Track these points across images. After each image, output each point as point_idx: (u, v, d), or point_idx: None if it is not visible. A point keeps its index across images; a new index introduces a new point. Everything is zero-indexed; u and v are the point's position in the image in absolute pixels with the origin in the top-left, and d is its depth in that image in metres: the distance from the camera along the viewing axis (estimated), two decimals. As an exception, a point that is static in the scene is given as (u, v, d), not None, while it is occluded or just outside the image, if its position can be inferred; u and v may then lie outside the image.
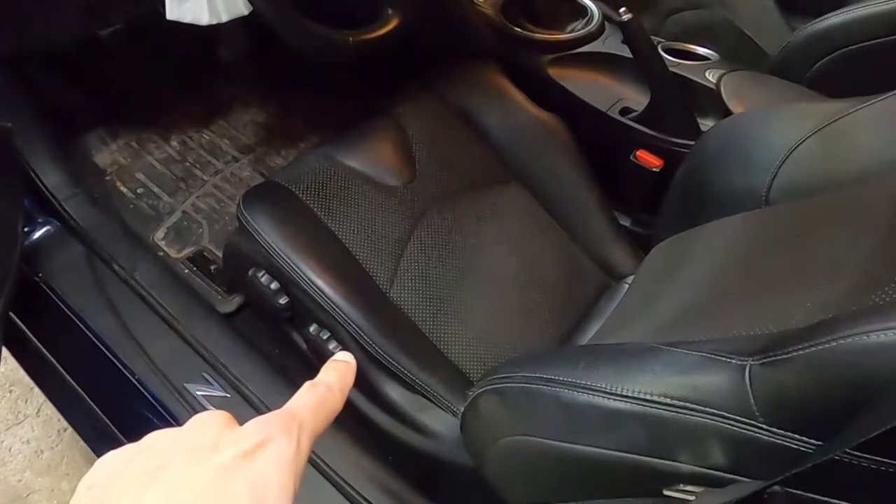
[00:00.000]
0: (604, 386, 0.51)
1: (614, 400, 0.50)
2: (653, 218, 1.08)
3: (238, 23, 0.85)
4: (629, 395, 0.49)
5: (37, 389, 1.08)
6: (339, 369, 0.38)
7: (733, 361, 0.45)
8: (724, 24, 1.43)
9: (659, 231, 0.95)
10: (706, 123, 1.01)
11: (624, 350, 0.55)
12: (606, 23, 1.14)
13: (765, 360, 0.43)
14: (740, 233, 0.74)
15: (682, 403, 0.47)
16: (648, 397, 0.48)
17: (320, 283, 0.81)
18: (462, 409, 0.81)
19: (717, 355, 0.47)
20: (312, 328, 0.84)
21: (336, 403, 0.36)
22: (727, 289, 0.66)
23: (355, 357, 0.77)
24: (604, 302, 0.99)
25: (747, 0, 1.43)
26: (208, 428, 0.30)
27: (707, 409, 0.46)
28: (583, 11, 1.14)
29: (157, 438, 0.31)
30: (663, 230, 0.92)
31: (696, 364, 0.48)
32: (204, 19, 0.81)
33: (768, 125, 0.81)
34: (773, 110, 0.83)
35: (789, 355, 0.41)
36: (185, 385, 0.88)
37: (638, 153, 1.03)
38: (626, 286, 0.99)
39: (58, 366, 0.97)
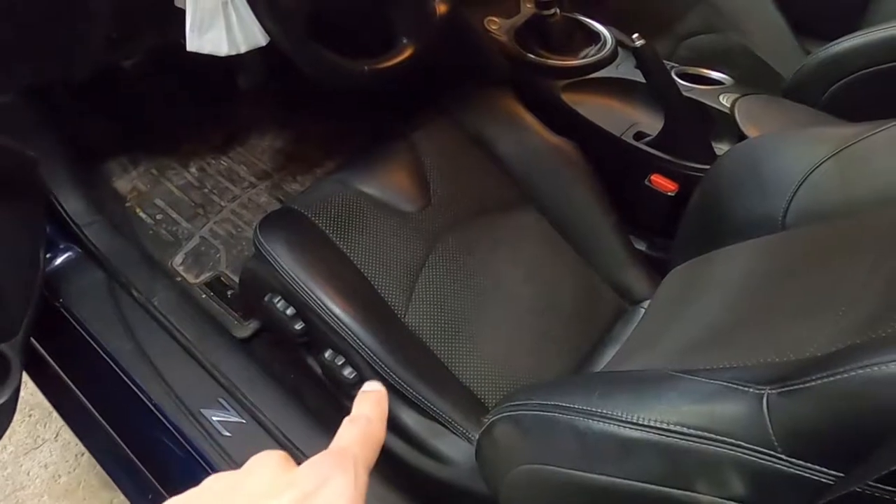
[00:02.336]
0: (619, 414, 0.51)
1: (630, 428, 0.50)
2: (668, 242, 1.07)
3: (257, 51, 0.87)
4: (645, 423, 0.49)
5: (55, 414, 1.09)
6: (373, 399, 0.38)
7: (751, 390, 0.45)
8: (738, 48, 1.43)
9: (675, 255, 0.94)
10: (721, 148, 1.01)
11: (640, 378, 0.54)
12: (619, 48, 1.15)
13: (783, 390, 0.42)
14: (757, 258, 0.74)
15: (699, 433, 0.46)
16: (664, 426, 0.48)
17: (335, 309, 0.82)
18: (477, 436, 0.81)
19: (735, 384, 0.46)
20: (328, 354, 0.84)
21: (379, 434, 0.36)
22: (744, 315, 0.66)
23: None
24: (620, 326, 0.98)
25: (761, 24, 1.44)
26: (266, 471, 0.30)
27: (725, 438, 0.45)
28: (596, 37, 1.15)
29: (217, 481, 0.31)
30: (679, 255, 0.91)
31: (714, 393, 0.47)
32: (223, 50, 0.83)
33: (784, 149, 0.81)
34: (788, 134, 0.83)
35: (807, 385, 0.40)
36: (202, 410, 0.89)
37: (653, 177, 1.03)
38: (643, 311, 0.99)
39: (76, 390, 0.98)
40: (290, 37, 0.77)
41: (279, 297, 0.87)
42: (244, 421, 0.88)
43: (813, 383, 0.40)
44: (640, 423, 0.49)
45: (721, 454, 0.45)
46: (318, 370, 0.90)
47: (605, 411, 0.51)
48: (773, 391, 0.43)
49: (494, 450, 0.63)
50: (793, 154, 0.80)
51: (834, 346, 0.49)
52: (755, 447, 0.43)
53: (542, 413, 0.57)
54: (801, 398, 0.41)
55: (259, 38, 0.84)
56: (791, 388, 0.42)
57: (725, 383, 0.47)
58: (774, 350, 0.55)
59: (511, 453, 0.61)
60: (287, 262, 0.85)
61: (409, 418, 0.82)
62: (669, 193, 1.02)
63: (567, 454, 0.55)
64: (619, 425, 0.50)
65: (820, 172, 0.76)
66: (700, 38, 1.42)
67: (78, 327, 0.98)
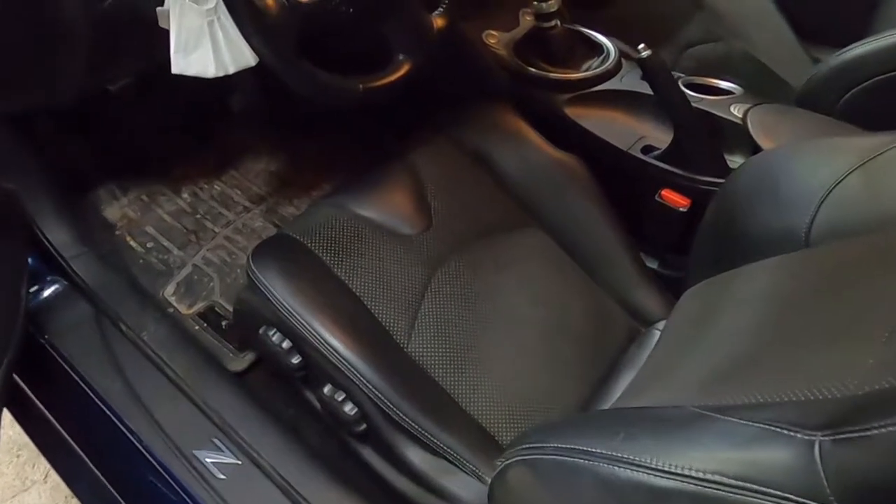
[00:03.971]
0: (648, 461, 0.46)
1: (661, 477, 0.45)
2: (681, 259, 1.03)
3: (249, 72, 0.84)
4: (678, 472, 0.44)
5: (44, 455, 1.04)
6: None
7: (799, 435, 0.40)
8: (742, 56, 1.39)
9: (690, 274, 0.90)
10: (734, 160, 0.97)
11: (667, 418, 0.50)
12: (623, 60, 1.11)
13: (838, 437, 0.37)
14: (782, 277, 0.69)
15: (740, 483, 0.41)
16: (701, 475, 0.43)
17: (333, 342, 0.77)
18: (488, 475, 0.76)
19: (779, 427, 0.41)
20: (327, 389, 0.80)
21: None
22: (770, 341, 0.61)
23: (373, 418, 0.72)
24: (634, 349, 0.94)
25: (766, 31, 1.40)
26: None
27: (770, 490, 0.40)
28: (598, 49, 1.12)
29: None
30: (694, 274, 0.87)
31: (755, 437, 0.42)
32: (210, 72, 0.79)
33: (804, 161, 0.77)
34: (807, 145, 0.79)
35: (868, 433, 0.36)
36: (194, 452, 0.84)
37: (663, 192, 0.99)
38: (657, 332, 0.94)
39: (62, 431, 0.93)
40: (280, 56, 0.73)
41: (274, 330, 0.83)
42: (240, 462, 0.83)
43: (874, 432, 0.35)
44: (673, 471, 0.44)
45: (767, 507, 0.40)
46: (318, 405, 0.86)
47: (631, 457, 0.47)
48: (827, 438, 0.38)
49: (509, 496, 0.58)
50: (814, 166, 0.76)
51: (884, 381, 0.44)
52: (807, 500, 0.38)
53: (559, 458, 0.52)
54: (860, 448, 0.36)
55: (248, 58, 0.80)
56: (848, 435, 0.37)
57: (768, 426, 0.42)
58: (807, 382, 0.51)
59: (527, 501, 0.56)
60: (281, 292, 0.81)
61: (415, 456, 0.78)
62: (681, 209, 0.97)
63: (589, 504, 0.50)
64: (648, 473, 0.45)
65: (845, 185, 0.71)
66: (703, 47, 1.38)
67: (64, 364, 0.93)
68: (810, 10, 1.43)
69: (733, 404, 0.51)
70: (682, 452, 0.45)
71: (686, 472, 0.44)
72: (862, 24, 1.33)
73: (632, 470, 0.46)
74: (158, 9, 0.76)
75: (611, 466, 0.47)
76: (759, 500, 0.41)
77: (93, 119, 1.19)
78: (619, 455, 0.47)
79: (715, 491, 0.42)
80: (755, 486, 0.41)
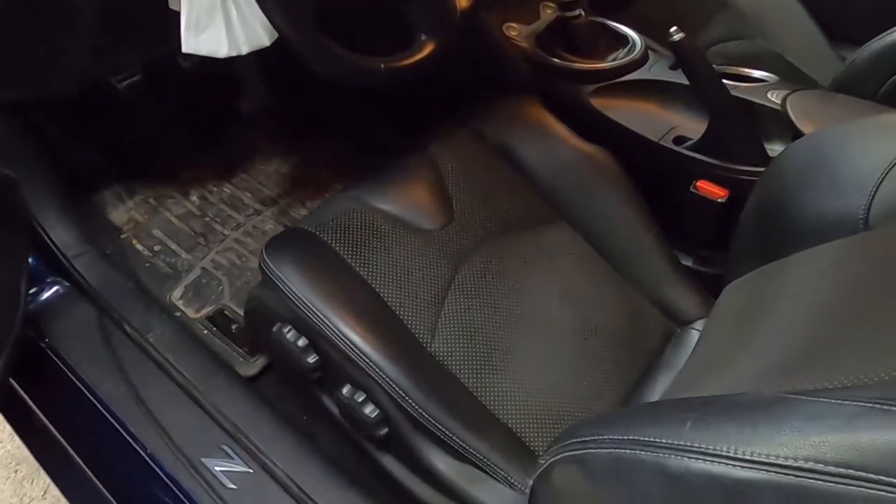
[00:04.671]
0: (725, 450, 0.40)
1: (742, 467, 0.39)
2: (717, 255, 0.98)
3: (259, 72, 0.80)
4: (763, 460, 0.38)
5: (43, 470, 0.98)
6: None
7: (913, 412, 0.34)
8: (767, 53, 1.35)
9: (731, 268, 0.84)
10: (772, 148, 0.92)
11: (742, 403, 0.44)
12: (650, 51, 1.07)
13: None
14: (844, 260, 0.64)
15: (840, 470, 0.35)
16: (791, 463, 0.37)
17: (354, 338, 0.72)
18: (519, 482, 0.70)
19: (885, 404, 0.36)
20: (346, 389, 0.74)
21: None
22: (843, 326, 0.55)
23: (395, 421, 0.66)
24: (670, 350, 0.88)
25: (791, 28, 1.36)
26: None
27: (878, 476, 0.34)
28: (624, 40, 1.07)
29: None
30: (736, 267, 0.82)
31: (855, 417, 0.36)
32: (223, 51, 0.75)
33: (857, 142, 0.72)
34: (861, 123, 0.74)
35: None
36: (203, 460, 0.78)
37: (698, 184, 0.94)
38: (694, 332, 0.89)
39: (63, 442, 0.88)
40: (301, 31, 0.68)
41: (289, 327, 0.77)
42: (251, 470, 0.77)
43: None
44: (757, 459, 0.38)
45: (874, 498, 0.34)
46: (335, 410, 0.80)
47: (704, 446, 0.41)
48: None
49: (554, 498, 0.52)
50: (868, 146, 0.71)
51: None
52: (927, 488, 0.32)
53: (617, 451, 0.46)
54: None
55: (263, 37, 0.76)
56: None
57: (870, 404, 0.36)
58: (899, 364, 0.45)
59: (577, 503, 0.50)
60: (298, 286, 0.75)
61: (441, 462, 0.72)
62: (719, 200, 0.92)
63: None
64: (726, 463, 0.39)
65: (905, 162, 0.66)
66: (727, 45, 1.35)
67: (65, 369, 0.88)
68: (837, 8, 1.39)
69: (816, 388, 0.45)
70: (766, 438, 0.39)
71: (772, 459, 0.38)
72: (890, 21, 1.29)
73: (706, 461, 0.40)
74: (168, -15, 0.72)
75: (680, 458, 0.42)
76: (863, 489, 0.35)
77: (99, 119, 1.15)
78: (690, 445, 0.41)
79: (808, 480, 0.36)
80: (858, 473, 0.35)
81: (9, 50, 0.74)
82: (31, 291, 0.94)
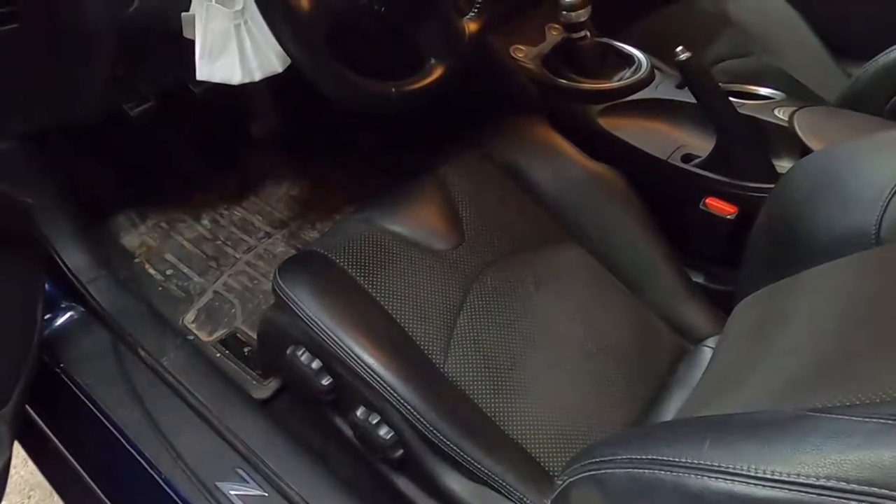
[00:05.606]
0: (745, 468, 0.40)
1: (764, 486, 0.39)
2: (728, 272, 0.98)
3: (269, 97, 0.81)
4: (784, 479, 0.38)
5: (58, 496, 0.98)
6: None
7: (934, 428, 0.34)
8: (772, 71, 1.36)
9: (742, 285, 0.84)
10: (781, 164, 0.92)
11: (761, 421, 0.44)
12: (656, 71, 1.07)
13: None
14: (857, 276, 0.64)
15: (864, 488, 0.35)
16: (813, 481, 0.37)
17: (368, 359, 0.72)
18: (535, 502, 0.70)
19: (906, 421, 0.35)
20: (360, 411, 0.74)
21: None
22: (863, 340, 0.55)
23: (410, 442, 0.66)
24: (683, 369, 0.88)
25: (796, 46, 1.37)
26: None
27: (902, 495, 0.34)
28: (630, 60, 1.08)
29: None
30: (747, 284, 0.81)
31: (875, 434, 0.36)
32: (236, 78, 0.76)
33: (867, 157, 0.72)
34: (868, 140, 0.74)
35: None
36: (217, 484, 0.78)
37: (707, 201, 0.94)
38: (707, 350, 0.88)
39: (77, 467, 0.88)
40: (313, 56, 0.69)
41: (303, 350, 0.78)
42: (266, 494, 0.77)
43: None
44: (778, 478, 0.38)
45: (899, 516, 0.34)
46: (349, 432, 0.80)
47: (725, 465, 0.40)
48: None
49: (573, 519, 0.52)
50: (878, 161, 0.71)
51: None
52: (953, 505, 0.32)
53: (636, 470, 0.46)
54: None
55: (275, 63, 0.77)
56: None
57: (890, 421, 0.36)
58: (916, 379, 0.45)
59: (596, 523, 0.50)
60: (311, 308, 0.76)
61: (456, 483, 0.72)
62: (728, 217, 0.92)
63: (674, 523, 0.44)
64: (747, 482, 0.39)
65: (916, 177, 0.66)
66: (733, 62, 1.35)
67: (80, 394, 0.88)
68: (841, 24, 1.40)
69: (835, 405, 0.45)
70: (786, 457, 0.39)
71: (793, 478, 0.38)
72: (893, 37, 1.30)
73: (726, 480, 0.40)
74: (184, 14, 0.73)
75: (700, 477, 0.41)
76: (889, 509, 0.34)
77: (112, 144, 1.16)
78: (710, 464, 0.41)
79: (831, 498, 0.36)
80: (882, 491, 0.35)
81: (28, 82, 0.76)
82: (47, 317, 0.94)
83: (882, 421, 0.37)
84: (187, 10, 0.73)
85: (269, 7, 0.65)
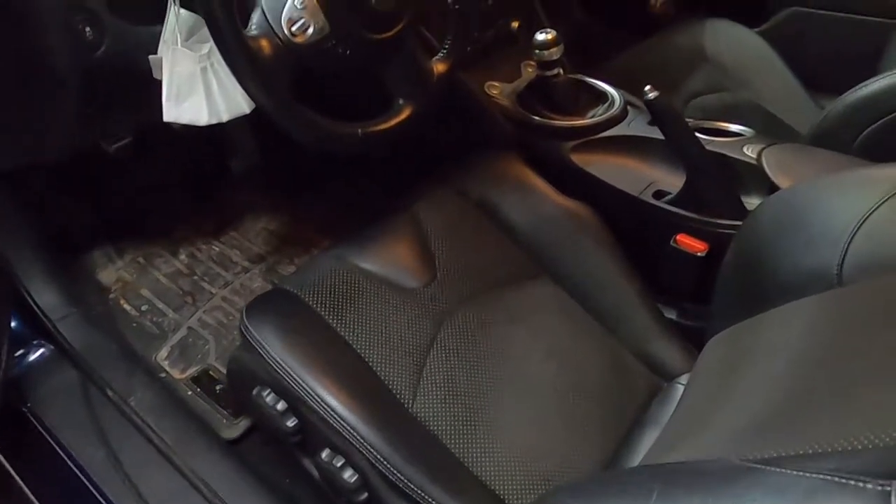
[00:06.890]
0: (688, 523, 0.39)
1: (706, 542, 0.38)
2: (700, 308, 0.97)
3: (248, 132, 0.81)
4: (724, 536, 0.38)
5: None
6: None
7: (869, 486, 0.34)
8: (747, 105, 1.37)
9: (712, 322, 0.84)
10: (750, 201, 0.93)
11: (707, 472, 0.43)
12: (629, 107, 1.09)
13: (921, 485, 0.31)
14: (818, 318, 0.64)
15: (803, 547, 0.35)
16: (752, 539, 0.36)
17: (332, 402, 0.71)
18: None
19: (843, 477, 0.35)
20: (325, 454, 0.73)
21: None
22: (815, 385, 0.55)
23: (375, 486, 0.65)
24: (656, 406, 0.87)
25: (771, 80, 1.39)
26: None
27: (840, 553, 0.34)
28: (603, 97, 1.09)
29: None
30: (718, 321, 0.81)
31: (815, 491, 0.36)
32: (203, 119, 0.76)
33: (830, 196, 0.72)
34: (833, 178, 0.74)
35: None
36: (181, 528, 0.77)
37: (678, 238, 0.94)
38: (680, 387, 0.88)
39: (40, 509, 0.86)
40: (276, 100, 0.70)
41: (268, 391, 0.77)
42: (230, 539, 0.76)
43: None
44: (718, 535, 0.38)
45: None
46: (315, 472, 0.79)
47: (669, 520, 0.40)
48: (906, 487, 0.32)
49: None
50: (841, 200, 0.71)
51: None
52: (888, 565, 0.32)
53: (587, 522, 0.45)
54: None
55: (243, 105, 0.77)
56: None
57: (830, 477, 0.36)
58: (868, 426, 0.44)
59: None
60: (276, 350, 0.75)
61: (422, 527, 0.70)
62: (699, 254, 0.92)
63: (623, 577, 0.43)
64: (690, 538, 0.39)
65: (876, 218, 0.67)
66: (708, 97, 1.37)
67: (45, 434, 0.87)
68: (814, 58, 1.42)
69: (783, 455, 0.44)
70: (728, 512, 0.38)
71: (734, 535, 0.37)
72: (868, 70, 1.31)
73: (670, 535, 0.40)
74: (151, 57, 0.74)
75: (645, 531, 0.41)
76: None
77: (89, 179, 1.17)
78: (655, 517, 0.41)
79: (769, 557, 0.36)
80: (819, 551, 0.34)
81: (-1, 119, 0.76)
82: (17, 354, 0.94)
83: (822, 477, 0.36)
84: (155, 52, 0.74)
85: (231, 53, 0.65)
